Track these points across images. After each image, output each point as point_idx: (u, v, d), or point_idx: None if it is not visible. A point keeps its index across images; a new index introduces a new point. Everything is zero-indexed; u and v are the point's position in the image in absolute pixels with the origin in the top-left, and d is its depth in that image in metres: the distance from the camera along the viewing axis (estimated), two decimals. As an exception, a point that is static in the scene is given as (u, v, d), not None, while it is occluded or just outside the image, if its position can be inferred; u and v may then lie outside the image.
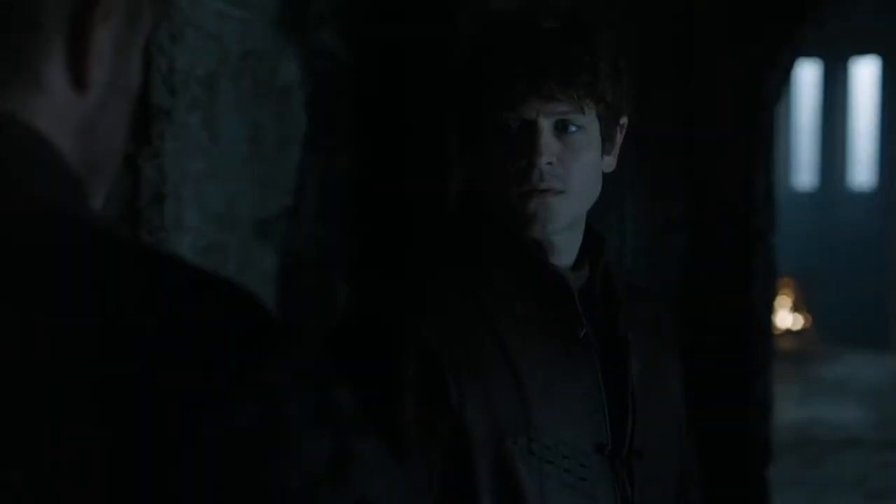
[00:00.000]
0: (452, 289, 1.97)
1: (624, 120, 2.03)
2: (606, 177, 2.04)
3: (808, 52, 17.14)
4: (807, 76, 17.95)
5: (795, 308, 14.76)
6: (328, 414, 0.89)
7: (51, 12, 0.96)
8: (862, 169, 17.45)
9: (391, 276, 3.77)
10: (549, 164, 1.93)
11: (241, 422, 0.86)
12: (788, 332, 14.46)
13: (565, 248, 2.02)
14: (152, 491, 0.85)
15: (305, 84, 3.42)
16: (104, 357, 0.87)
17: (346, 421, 0.90)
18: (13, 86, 0.97)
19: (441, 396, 1.89)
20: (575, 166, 1.95)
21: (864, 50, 17.12)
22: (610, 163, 2.04)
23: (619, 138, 2.04)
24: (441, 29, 3.76)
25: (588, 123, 1.97)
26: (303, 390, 0.89)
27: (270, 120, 3.27)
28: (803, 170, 18.55)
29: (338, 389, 0.91)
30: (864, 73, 17.45)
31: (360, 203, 3.75)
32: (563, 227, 1.98)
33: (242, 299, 0.91)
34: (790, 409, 10.87)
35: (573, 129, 1.95)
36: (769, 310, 6.20)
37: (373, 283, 3.76)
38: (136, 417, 0.86)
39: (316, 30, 3.48)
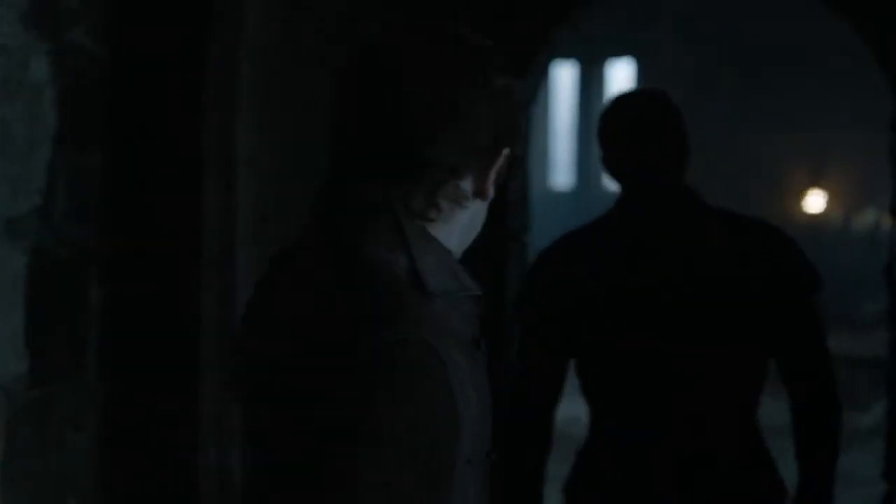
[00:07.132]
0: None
1: None
2: None
3: (566, 54, 17.52)
4: (565, 77, 18.32)
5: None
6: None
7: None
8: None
9: (154, 278, 3.73)
10: None
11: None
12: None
13: None
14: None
15: (56, 82, 3.36)
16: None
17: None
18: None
19: None
20: None
21: (619, 52, 17.56)
22: None
23: None
24: (197, 33, 3.74)
25: None
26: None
27: (20, 117, 3.20)
28: (561, 170, 18.92)
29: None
30: (620, 75, 17.91)
31: (116, 202, 3.70)
32: None
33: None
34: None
35: None
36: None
37: (134, 285, 3.72)
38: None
39: (68, 27, 3.42)
